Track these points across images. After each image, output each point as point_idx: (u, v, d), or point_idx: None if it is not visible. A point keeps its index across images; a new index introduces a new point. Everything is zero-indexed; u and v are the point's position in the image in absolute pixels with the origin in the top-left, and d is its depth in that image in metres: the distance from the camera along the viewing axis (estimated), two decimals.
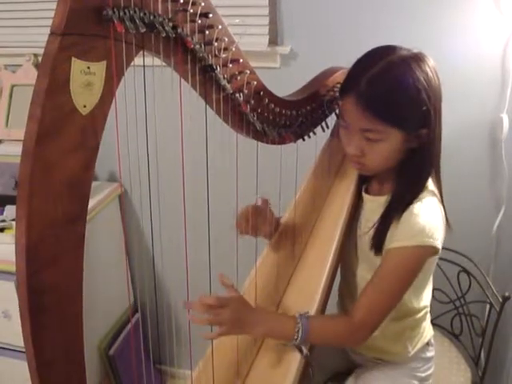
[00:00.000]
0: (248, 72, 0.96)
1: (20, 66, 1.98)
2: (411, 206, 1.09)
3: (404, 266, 1.08)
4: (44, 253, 0.66)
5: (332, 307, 1.29)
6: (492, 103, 1.62)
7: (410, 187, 1.11)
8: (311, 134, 1.24)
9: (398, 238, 1.08)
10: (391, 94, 1.03)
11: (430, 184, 1.13)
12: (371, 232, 1.14)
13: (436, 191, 1.14)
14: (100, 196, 1.92)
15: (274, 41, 1.71)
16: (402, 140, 1.06)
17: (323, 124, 1.27)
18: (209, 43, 0.85)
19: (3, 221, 1.77)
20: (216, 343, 1.04)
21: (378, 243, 1.13)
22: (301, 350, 1.03)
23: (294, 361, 1.02)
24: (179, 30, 0.77)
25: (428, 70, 1.05)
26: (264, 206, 1.26)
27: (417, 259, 1.08)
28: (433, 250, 1.08)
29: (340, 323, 1.11)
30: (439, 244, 1.08)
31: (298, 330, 1.02)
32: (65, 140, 0.65)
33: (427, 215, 1.08)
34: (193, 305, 0.96)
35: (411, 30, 1.57)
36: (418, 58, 1.05)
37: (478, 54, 1.57)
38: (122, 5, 0.67)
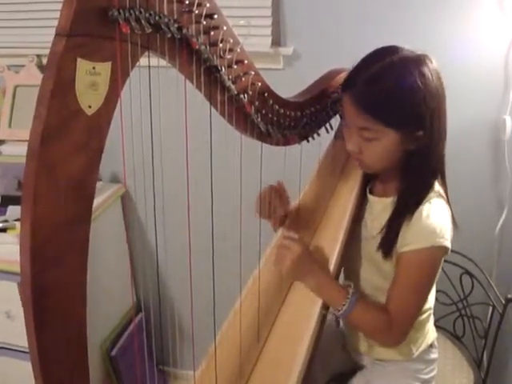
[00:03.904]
0: (253, 73, 0.96)
1: (23, 66, 1.98)
2: (420, 208, 1.09)
3: (422, 267, 1.10)
4: (48, 253, 0.66)
5: None
6: (495, 104, 1.62)
7: (415, 189, 1.11)
8: (315, 135, 1.24)
9: (410, 240, 1.09)
10: (386, 95, 1.04)
11: (437, 185, 1.14)
12: (380, 235, 1.15)
13: (442, 192, 1.14)
14: (102, 197, 1.92)
15: (276, 42, 1.72)
16: (398, 141, 1.07)
17: (327, 125, 1.27)
18: (214, 44, 0.85)
19: (6, 221, 1.78)
20: (219, 342, 1.05)
21: (388, 247, 1.13)
22: (338, 323, 1.06)
23: (297, 361, 1.02)
24: (184, 31, 0.77)
25: (427, 72, 1.04)
26: (280, 187, 1.29)
27: (433, 260, 1.10)
28: (444, 250, 1.10)
29: (380, 317, 1.12)
30: (449, 244, 1.10)
31: (345, 304, 1.07)
32: (70, 140, 0.65)
33: (437, 216, 1.09)
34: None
35: (415, 31, 1.57)
36: (418, 60, 1.05)
37: (481, 56, 1.57)
38: (128, 5, 0.67)
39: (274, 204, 1.26)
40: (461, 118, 1.57)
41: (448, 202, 1.15)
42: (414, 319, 1.14)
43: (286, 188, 1.30)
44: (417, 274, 1.11)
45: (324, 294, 1.10)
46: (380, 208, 1.18)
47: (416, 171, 1.11)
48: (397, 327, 1.11)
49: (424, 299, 1.15)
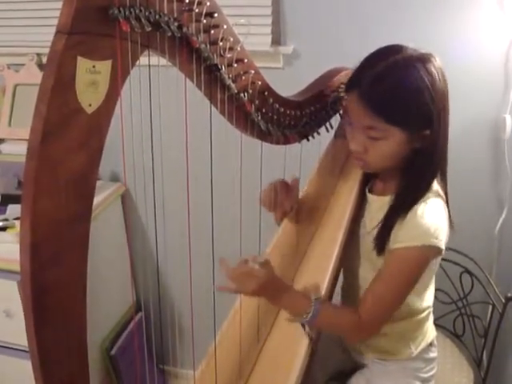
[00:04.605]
0: (253, 72, 0.96)
1: (23, 65, 1.98)
2: (416, 207, 1.09)
3: (408, 266, 1.09)
4: (48, 251, 0.66)
5: None
6: (495, 104, 1.62)
7: (413, 187, 1.11)
8: (315, 134, 1.24)
9: (402, 238, 1.08)
10: (393, 94, 1.03)
11: (435, 185, 1.13)
12: (374, 232, 1.14)
13: (441, 192, 1.14)
14: (102, 195, 1.92)
15: (276, 41, 1.71)
16: (405, 140, 1.06)
17: (327, 124, 1.27)
18: (214, 43, 0.85)
19: (6, 220, 1.78)
20: (219, 342, 1.05)
21: (381, 243, 1.13)
22: (303, 326, 1.06)
23: (297, 360, 1.02)
24: (185, 30, 0.78)
25: (433, 70, 1.04)
26: (294, 183, 1.28)
27: (421, 259, 1.09)
28: (437, 251, 1.09)
29: (347, 317, 1.11)
30: (443, 245, 1.09)
31: (309, 312, 1.04)
32: (70, 138, 0.65)
33: (432, 216, 1.08)
34: (226, 271, 1.00)
35: (415, 30, 1.57)
36: (424, 59, 1.05)
37: (481, 54, 1.57)
38: (128, 4, 0.68)
39: (280, 197, 1.25)
40: (461, 117, 1.56)
41: (447, 202, 1.15)
42: (386, 316, 1.12)
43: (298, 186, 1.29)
44: (402, 271, 1.09)
45: (289, 307, 1.08)
46: (378, 206, 1.18)
47: (418, 170, 1.11)
48: (368, 324, 1.10)
49: (401, 298, 1.11)
